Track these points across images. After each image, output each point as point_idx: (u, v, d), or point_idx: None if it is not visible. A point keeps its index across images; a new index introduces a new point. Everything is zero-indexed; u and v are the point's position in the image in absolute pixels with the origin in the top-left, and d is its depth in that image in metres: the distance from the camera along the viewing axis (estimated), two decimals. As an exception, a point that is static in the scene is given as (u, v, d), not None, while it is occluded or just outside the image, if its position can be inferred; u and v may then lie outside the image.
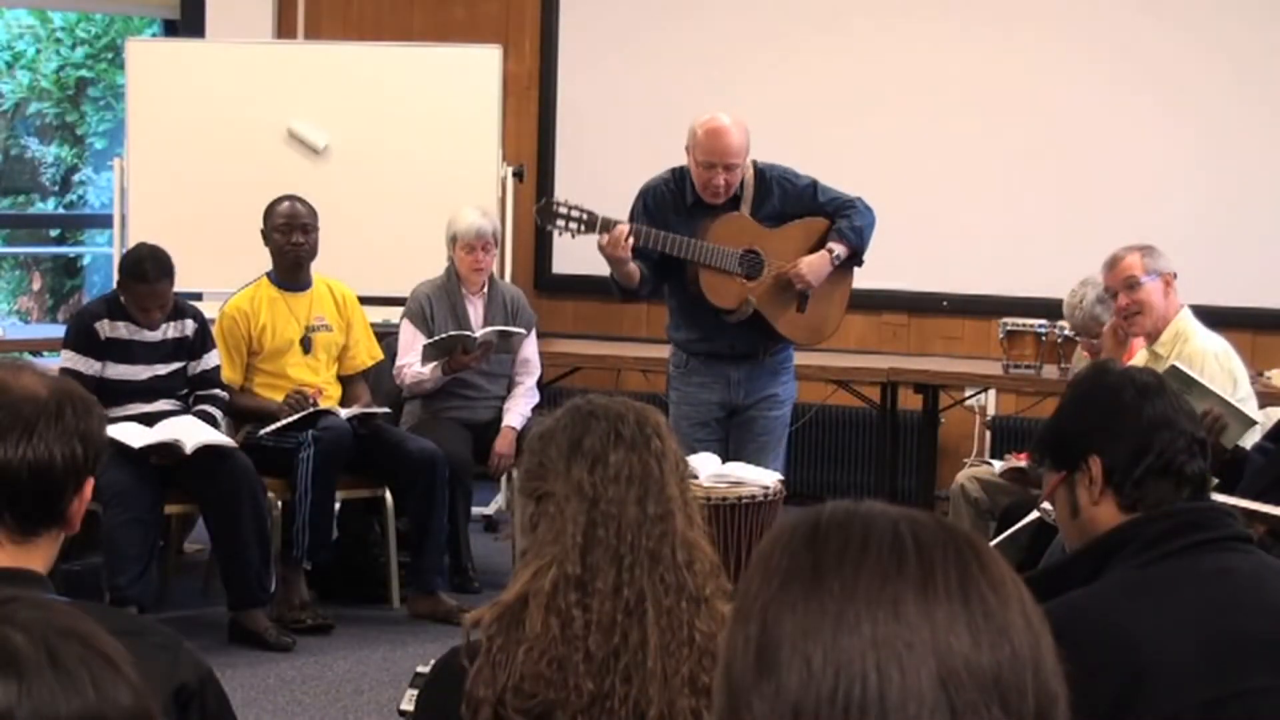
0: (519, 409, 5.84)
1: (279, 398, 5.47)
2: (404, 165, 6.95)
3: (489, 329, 5.67)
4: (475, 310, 5.81)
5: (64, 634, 1.03)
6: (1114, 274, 4.67)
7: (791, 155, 5.19)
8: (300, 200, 5.57)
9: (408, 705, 2.32)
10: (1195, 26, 6.89)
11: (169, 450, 4.95)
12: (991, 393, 7.04)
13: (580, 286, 7.38)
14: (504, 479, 6.38)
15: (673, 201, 4.94)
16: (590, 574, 1.97)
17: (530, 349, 5.93)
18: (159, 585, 5.22)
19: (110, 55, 9.74)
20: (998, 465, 5.16)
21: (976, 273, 7.13)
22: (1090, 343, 5.43)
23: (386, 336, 5.94)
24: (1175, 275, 4.65)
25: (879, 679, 0.93)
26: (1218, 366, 4.46)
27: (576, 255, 6.52)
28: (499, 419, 5.83)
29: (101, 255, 9.50)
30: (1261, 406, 4.73)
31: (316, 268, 5.65)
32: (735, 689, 0.98)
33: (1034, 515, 4.00)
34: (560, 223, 4.89)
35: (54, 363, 5.47)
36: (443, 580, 5.54)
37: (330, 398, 5.60)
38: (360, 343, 5.74)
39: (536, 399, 5.92)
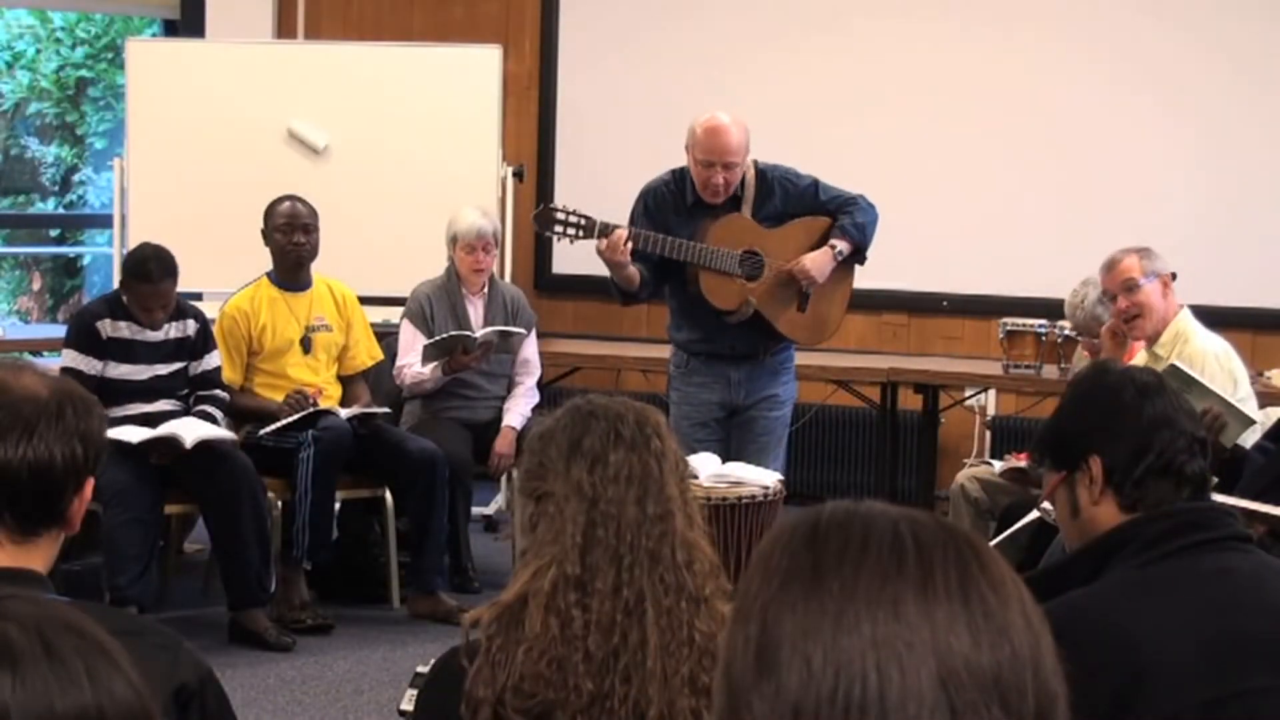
0: (519, 409, 5.84)
1: (279, 398, 5.47)
2: (404, 165, 6.95)
3: (489, 329, 5.67)
4: (475, 310, 5.81)
5: (59, 626, 1.02)
6: (1112, 277, 4.66)
7: (792, 155, 5.19)
8: (301, 200, 5.57)
9: (408, 705, 2.32)
10: (1195, 26, 6.89)
11: (169, 447, 4.95)
12: (991, 393, 7.04)
13: (580, 286, 7.38)
14: (504, 479, 6.38)
15: (673, 202, 4.94)
16: (590, 574, 1.97)
17: (530, 349, 5.93)
18: (159, 585, 5.22)
19: (110, 55, 9.74)
20: (998, 465, 5.16)
21: (976, 273, 7.13)
22: (1091, 342, 5.42)
23: (386, 336, 5.94)
24: (1174, 276, 4.65)
25: (879, 679, 0.93)
26: (1218, 367, 4.46)
27: (576, 255, 6.50)
28: (499, 419, 5.83)
29: (101, 255, 9.50)
30: (1261, 406, 4.73)
31: (317, 268, 5.65)
32: (735, 689, 0.98)
33: (1034, 515, 4.01)
34: (558, 228, 4.89)
35: (54, 363, 5.47)
36: (443, 580, 5.54)
37: (330, 398, 5.60)
38: (360, 343, 5.74)
39: (536, 399, 5.92)
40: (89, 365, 5.13)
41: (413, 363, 5.66)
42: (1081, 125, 7.01)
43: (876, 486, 6.76)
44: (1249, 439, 4.22)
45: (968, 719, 0.93)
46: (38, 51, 9.93)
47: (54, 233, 10.34)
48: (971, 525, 4.91)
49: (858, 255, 5.04)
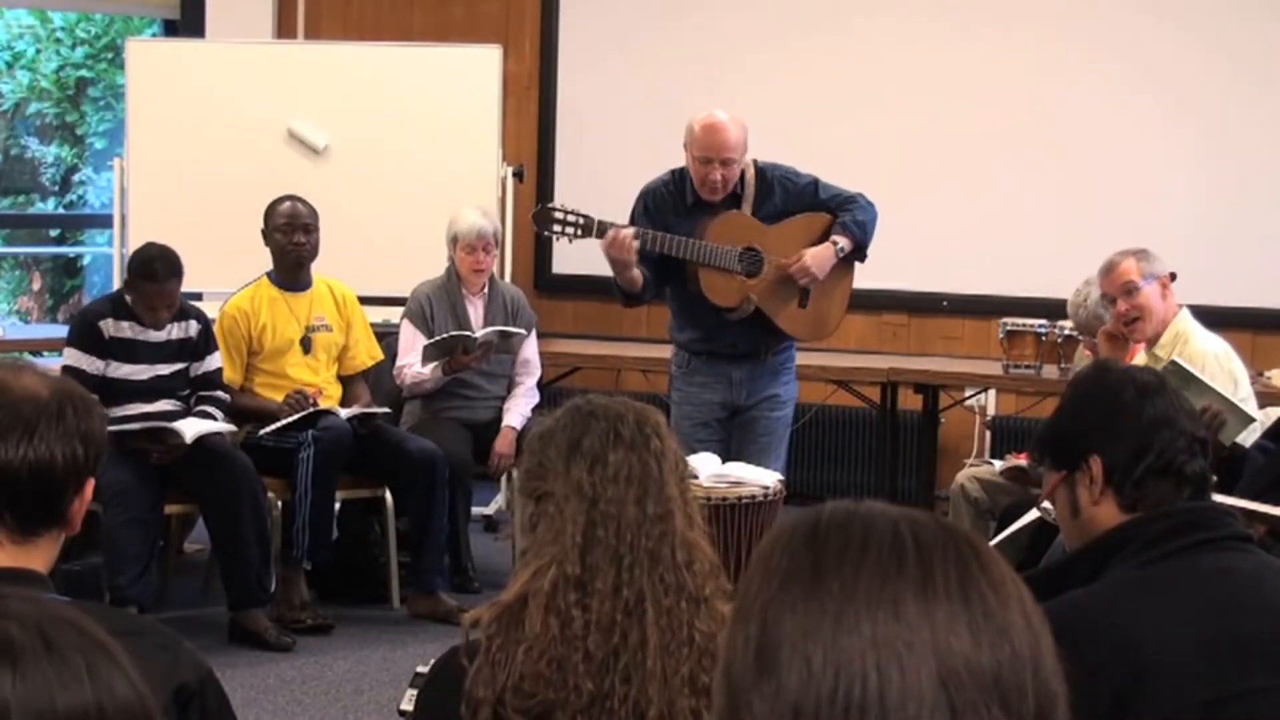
0: (519, 409, 5.84)
1: (279, 398, 5.47)
2: (404, 165, 6.95)
3: (489, 329, 5.67)
4: (475, 310, 5.82)
5: (60, 624, 1.02)
6: (1110, 280, 4.65)
7: (791, 155, 5.19)
8: (301, 200, 5.57)
9: (408, 705, 2.32)
10: (1195, 26, 6.89)
11: (169, 446, 4.95)
12: (991, 393, 7.04)
13: (580, 286, 7.38)
14: (504, 479, 6.38)
15: (673, 202, 4.94)
16: (590, 574, 1.97)
17: (530, 349, 5.93)
18: (159, 585, 5.22)
19: (110, 55, 9.75)
20: (998, 465, 5.16)
21: (976, 273, 7.13)
22: (1093, 342, 5.41)
23: (386, 336, 5.95)
24: (1174, 276, 4.64)
25: (879, 679, 0.93)
26: (1218, 367, 4.45)
27: (577, 255, 6.52)
28: (499, 419, 5.83)
29: (101, 255, 9.50)
30: (1261, 406, 4.72)
31: (317, 268, 5.66)
32: (735, 689, 0.98)
33: (1034, 515, 4.00)
34: (556, 228, 4.89)
35: (54, 363, 5.47)
36: (443, 580, 5.54)
37: (330, 398, 5.60)
38: (360, 343, 5.74)
39: (536, 399, 5.92)
40: (91, 364, 5.13)
41: (413, 363, 5.66)
42: (1081, 125, 7.01)
43: (876, 486, 6.76)
44: (1249, 438, 4.21)
45: (968, 719, 0.93)
46: (38, 51, 9.93)
47: (54, 233, 10.34)
48: (971, 525, 4.90)
49: (858, 253, 5.04)
